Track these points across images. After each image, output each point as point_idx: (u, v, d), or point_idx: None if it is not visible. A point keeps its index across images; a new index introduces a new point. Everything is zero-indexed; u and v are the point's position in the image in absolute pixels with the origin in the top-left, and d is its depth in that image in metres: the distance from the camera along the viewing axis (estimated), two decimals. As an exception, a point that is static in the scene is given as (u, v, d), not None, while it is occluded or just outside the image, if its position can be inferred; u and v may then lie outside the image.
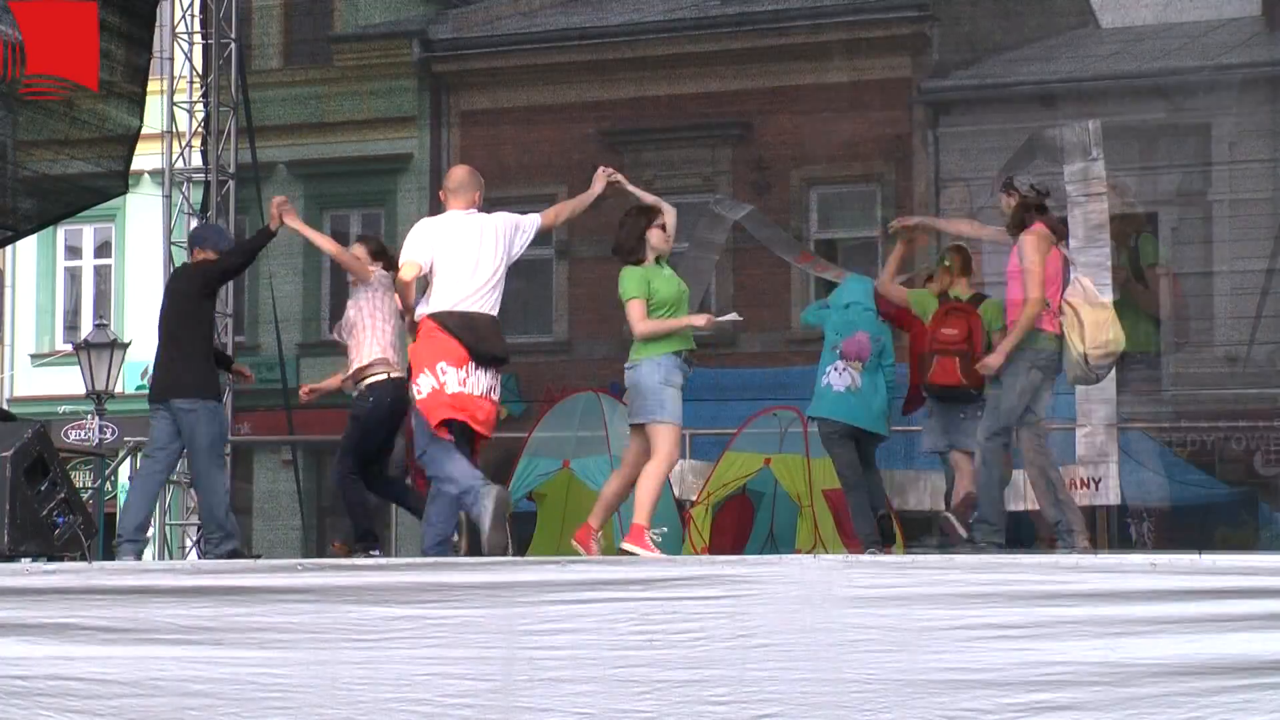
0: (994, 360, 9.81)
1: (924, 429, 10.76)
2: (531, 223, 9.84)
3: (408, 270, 9.67)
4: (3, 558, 9.86)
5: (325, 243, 11.24)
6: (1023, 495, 11.31)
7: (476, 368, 9.44)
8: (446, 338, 9.45)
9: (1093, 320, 9.51)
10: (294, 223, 10.96)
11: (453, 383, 9.40)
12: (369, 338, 10.89)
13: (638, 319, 9.57)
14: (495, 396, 9.55)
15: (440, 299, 9.54)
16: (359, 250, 11.12)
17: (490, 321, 9.57)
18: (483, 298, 9.55)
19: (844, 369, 10.71)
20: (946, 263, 10.80)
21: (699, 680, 8.33)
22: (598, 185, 10.03)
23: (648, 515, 9.45)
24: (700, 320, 9.73)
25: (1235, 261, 21.55)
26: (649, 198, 10.10)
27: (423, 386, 9.47)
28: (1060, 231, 9.80)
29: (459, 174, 10.03)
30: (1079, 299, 9.53)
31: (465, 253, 9.57)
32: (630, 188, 10.12)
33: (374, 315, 10.94)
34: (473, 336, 9.47)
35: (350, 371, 10.96)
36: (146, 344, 22.40)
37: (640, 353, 9.58)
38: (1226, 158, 21.66)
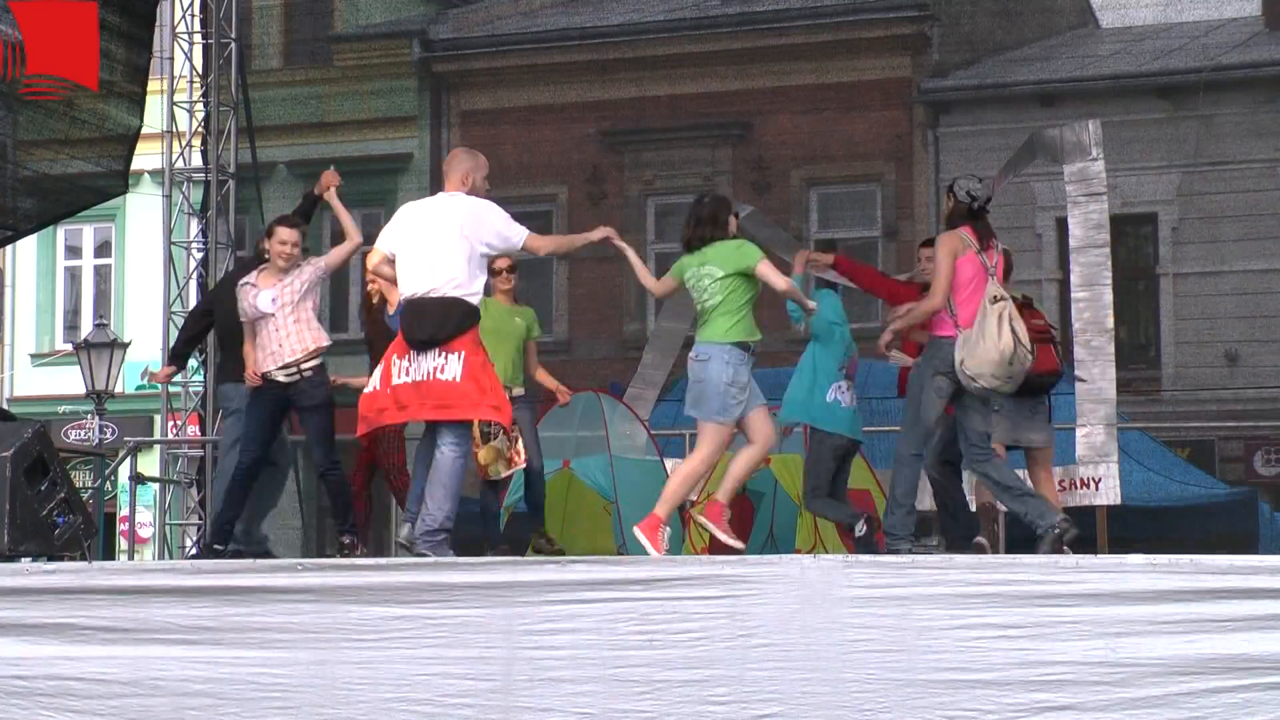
0: (885, 337, 10.22)
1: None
2: (518, 231, 9.53)
3: (371, 256, 9.66)
4: (3, 558, 9.85)
5: (351, 228, 10.94)
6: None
7: (418, 354, 9.32)
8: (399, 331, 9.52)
9: (976, 335, 9.50)
10: (333, 200, 10.84)
11: (395, 375, 9.36)
12: (309, 322, 10.68)
13: (776, 273, 9.45)
14: (444, 375, 9.24)
15: (402, 285, 9.50)
16: (294, 235, 10.85)
17: (435, 304, 9.33)
18: (441, 281, 9.32)
19: (847, 388, 10.84)
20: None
21: (699, 680, 8.32)
22: (595, 234, 9.86)
23: (669, 511, 9.43)
24: (811, 305, 9.86)
25: (1235, 261, 21.58)
26: (639, 264, 10.07)
27: (369, 383, 9.57)
28: (986, 241, 9.78)
29: (452, 154, 9.95)
30: (980, 314, 9.55)
31: (424, 237, 9.42)
32: (631, 256, 10.01)
33: (316, 299, 10.81)
34: (410, 322, 9.36)
35: (303, 353, 10.60)
36: (147, 344, 22.48)
37: (712, 336, 9.44)
38: (1226, 158, 21.68)
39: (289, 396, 10.67)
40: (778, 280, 9.47)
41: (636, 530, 9.31)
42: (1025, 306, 10.61)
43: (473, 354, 9.31)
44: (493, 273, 11.30)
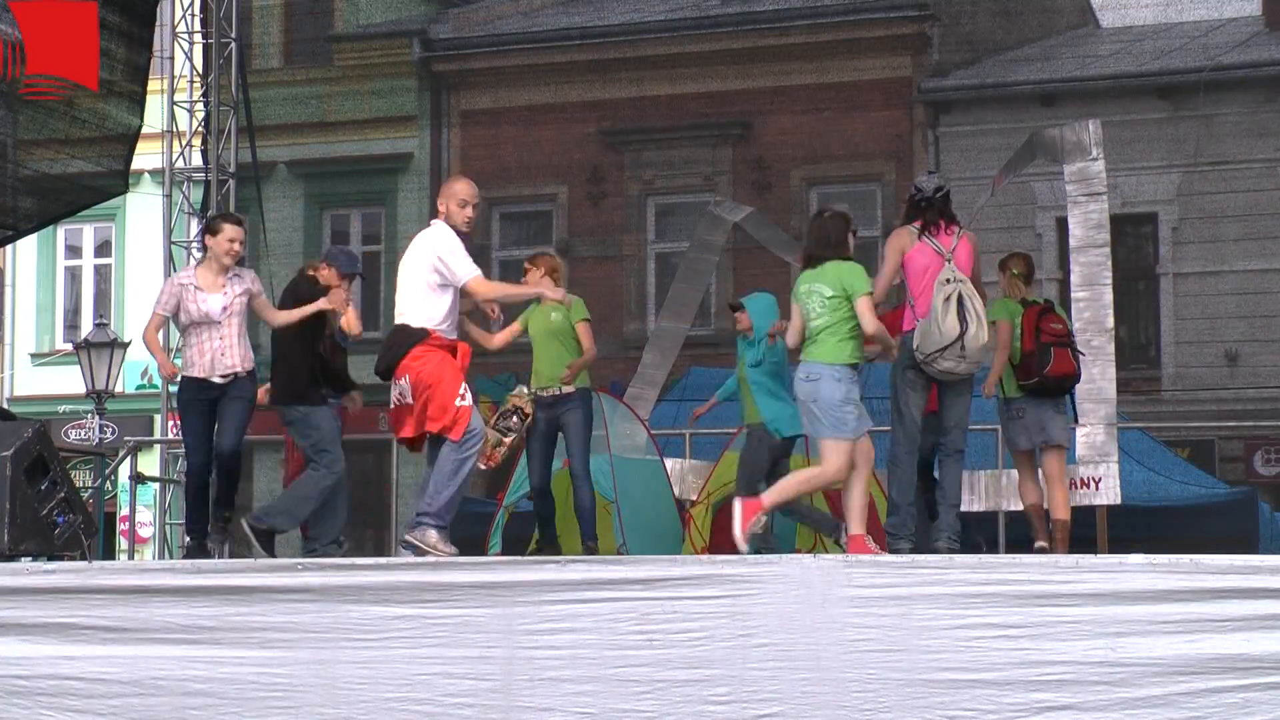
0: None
1: (1011, 429, 10.71)
2: (463, 270, 9.62)
3: None
4: (3, 557, 9.86)
5: (294, 318, 10.86)
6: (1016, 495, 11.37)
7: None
8: None
9: (928, 321, 9.58)
10: (325, 305, 10.78)
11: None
12: (245, 334, 10.68)
13: (870, 314, 9.38)
14: (404, 400, 9.59)
15: None
16: (241, 233, 10.78)
17: (392, 334, 9.74)
18: (404, 311, 9.68)
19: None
20: (1016, 272, 10.87)
21: (699, 680, 8.33)
22: (553, 293, 9.97)
23: (774, 502, 9.44)
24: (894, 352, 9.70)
25: (1235, 261, 21.59)
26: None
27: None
28: (942, 227, 9.86)
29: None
30: (933, 300, 9.64)
31: (401, 269, 9.84)
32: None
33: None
34: None
35: (243, 366, 10.60)
36: (146, 343, 22.49)
37: (820, 357, 9.41)
38: (1226, 158, 21.68)
39: (218, 396, 10.66)
40: (869, 323, 9.38)
41: (736, 502, 9.34)
42: (1047, 311, 10.69)
43: (417, 373, 9.52)
44: (524, 271, 11.51)
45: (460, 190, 9.83)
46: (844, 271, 9.46)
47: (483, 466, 11.42)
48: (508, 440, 11.22)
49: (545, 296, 10.11)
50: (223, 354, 10.57)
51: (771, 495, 9.48)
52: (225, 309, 10.56)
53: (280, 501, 10.98)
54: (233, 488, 10.93)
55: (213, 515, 10.88)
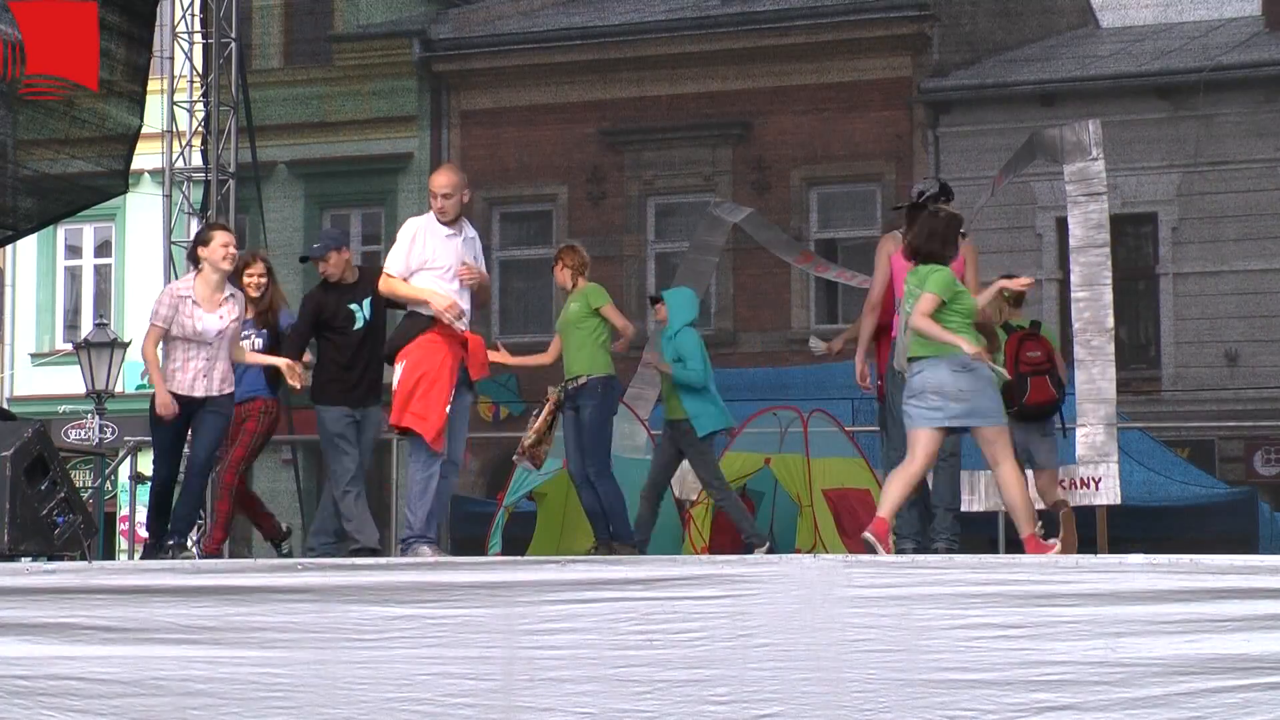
0: (836, 345, 11.07)
1: None
2: (388, 263, 10.03)
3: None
4: (3, 557, 9.85)
5: (263, 361, 10.93)
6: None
7: None
8: None
9: (900, 337, 9.62)
10: (281, 364, 10.67)
11: None
12: (230, 358, 10.59)
13: (924, 311, 9.18)
14: (394, 385, 9.90)
15: None
16: (227, 237, 10.70)
17: (403, 319, 10.11)
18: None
19: None
20: (1005, 295, 10.84)
21: (699, 680, 8.33)
22: (439, 306, 9.81)
23: (1031, 518, 9.16)
24: (971, 349, 9.18)
25: (1235, 261, 21.59)
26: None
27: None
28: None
29: None
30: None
31: None
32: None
33: None
34: None
35: (222, 390, 10.50)
36: (146, 343, 22.49)
37: (957, 351, 9.14)
38: (1226, 158, 21.68)
39: (194, 410, 10.52)
40: (916, 313, 9.23)
41: (1031, 544, 9.05)
42: (1028, 337, 10.70)
43: (415, 360, 9.74)
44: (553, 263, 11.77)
45: (433, 181, 10.13)
46: (927, 274, 9.30)
47: (532, 466, 11.58)
48: (534, 428, 11.29)
49: (431, 307, 9.88)
50: (204, 375, 10.43)
51: (1025, 523, 9.11)
52: (219, 333, 10.46)
53: (331, 523, 10.91)
54: (195, 508, 10.86)
55: (162, 533, 10.62)
